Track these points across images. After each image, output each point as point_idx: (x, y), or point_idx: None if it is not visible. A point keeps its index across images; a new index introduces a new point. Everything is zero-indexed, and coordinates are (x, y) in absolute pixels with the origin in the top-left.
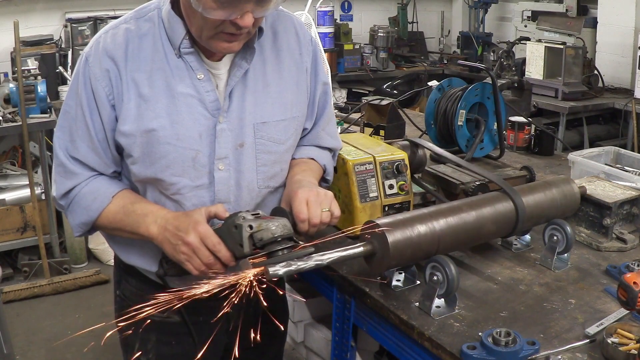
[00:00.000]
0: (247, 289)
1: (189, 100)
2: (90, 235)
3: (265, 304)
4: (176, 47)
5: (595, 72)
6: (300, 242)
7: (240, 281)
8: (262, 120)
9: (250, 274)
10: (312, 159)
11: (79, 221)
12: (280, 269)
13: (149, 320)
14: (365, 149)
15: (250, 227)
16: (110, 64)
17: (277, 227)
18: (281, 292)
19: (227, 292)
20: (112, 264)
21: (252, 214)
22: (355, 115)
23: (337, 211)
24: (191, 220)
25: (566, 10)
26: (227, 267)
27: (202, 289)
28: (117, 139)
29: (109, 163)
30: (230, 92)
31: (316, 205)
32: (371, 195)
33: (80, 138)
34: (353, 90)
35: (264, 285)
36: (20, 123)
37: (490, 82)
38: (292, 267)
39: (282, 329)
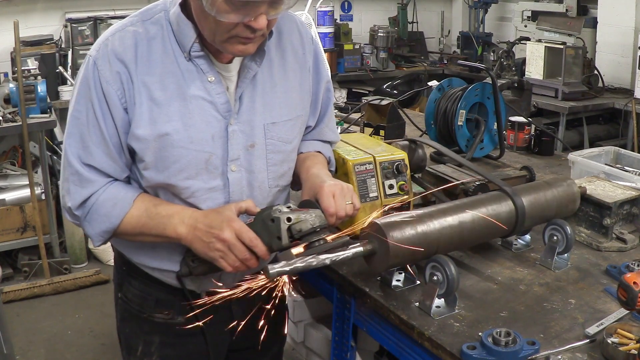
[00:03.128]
0: (279, 288)
1: (200, 103)
2: (108, 243)
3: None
4: (186, 51)
5: (595, 72)
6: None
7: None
8: (272, 121)
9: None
10: (319, 152)
11: (100, 230)
12: (280, 269)
13: (156, 324)
14: (365, 149)
15: (289, 219)
16: (120, 66)
17: (315, 218)
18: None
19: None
20: (112, 264)
21: (287, 207)
22: (355, 115)
23: (357, 203)
24: (224, 216)
25: (566, 10)
26: (260, 261)
27: (232, 291)
28: (129, 143)
29: (123, 168)
30: (240, 94)
31: (341, 198)
32: (371, 195)
33: (95, 144)
34: (353, 90)
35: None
36: (20, 123)
37: (490, 82)
38: (292, 267)
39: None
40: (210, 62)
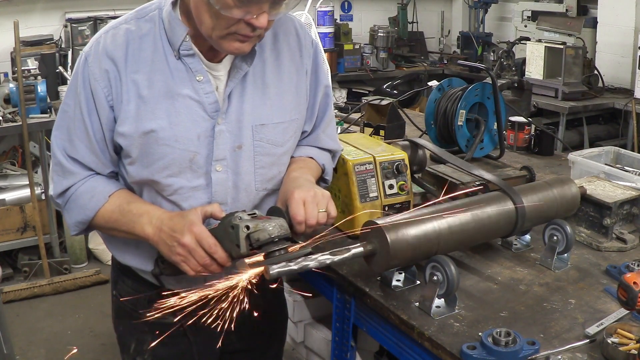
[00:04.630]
0: (243, 290)
1: (188, 102)
2: (87, 234)
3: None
4: (175, 49)
5: (595, 72)
6: (298, 242)
7: (238, 282)
8: (261, 122)
9: (247, 274)
10: (311, 157)
11: (75, 220)
12: (278, 270)
13: (149, 323)
14: (365, 149)
15: (247, 227)
16: (109, 64)
17: (274, 227)
18: (274, 285)
19: (224, 294)
20: None
21: (249, 214)
22: (355, 115)
23: (333, 212)
24: (186, 221)
25: (566, 10)
26: (223, 267)
27: (200, 292)
28: (115, 140)
29: (106, 163)
30: (229, 94)
31: (313, 205)
32: (371, 195)
33: (79, 138)
34: (353, 90)
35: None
36: (20, 123)
37: (490, 82)
38: (292, 267)
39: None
40: (200, 61)
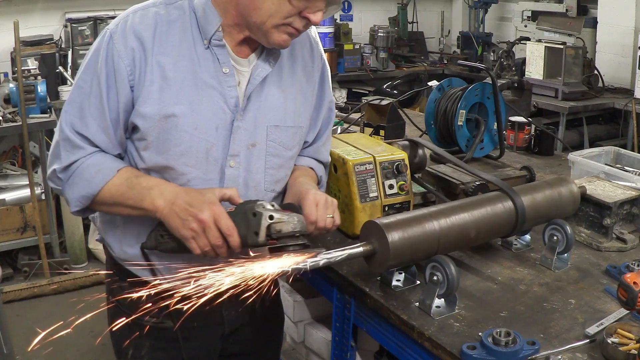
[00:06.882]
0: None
1: (211, 92)
2: (86, 215)
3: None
4: (207, 38)
5: (595, 72)
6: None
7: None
8: (275, 124)
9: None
10: (312, 168)
11: (79, 194)
12: (278, 269)
13: (147, 328)
14: (365, 149)
15: (271, 217)
16: (136, 43)
17: (297, 222)
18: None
19: (222, 296)
20: None
21: (270, 205)
22: (355, 115)
23: (338, 219)
24: (205, 198)
25: (566, 10)
26: (231, 253)
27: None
28: (133, 121)
29: (115, 144)
30: (250, 93)
31: (324, 209)
32: (371, 195)
33: (92, 115)
34: (353, 90)
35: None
36: (20, 123)
37: (490, 82)
38: (291, 268)
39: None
40: (228, 54)
